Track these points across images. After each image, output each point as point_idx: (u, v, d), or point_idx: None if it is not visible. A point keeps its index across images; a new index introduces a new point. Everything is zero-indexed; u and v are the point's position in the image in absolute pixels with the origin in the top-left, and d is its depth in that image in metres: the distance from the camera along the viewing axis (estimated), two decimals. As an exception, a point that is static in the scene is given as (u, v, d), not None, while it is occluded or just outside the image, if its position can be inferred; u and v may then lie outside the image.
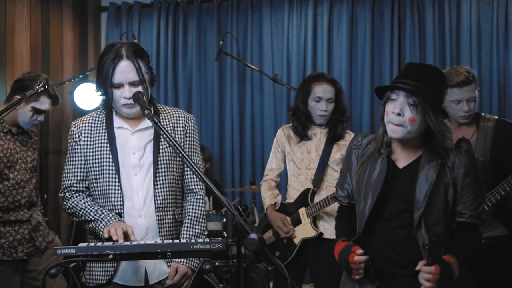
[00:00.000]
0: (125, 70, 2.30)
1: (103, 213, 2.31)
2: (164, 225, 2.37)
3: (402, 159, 2.23)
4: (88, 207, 2.34)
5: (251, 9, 5.30)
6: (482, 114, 3.21)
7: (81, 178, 2.41)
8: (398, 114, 2.10)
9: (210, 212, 4.32)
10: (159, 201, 2.36)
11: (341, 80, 4.99)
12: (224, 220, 4.44)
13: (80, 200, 2.37)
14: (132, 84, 2.31)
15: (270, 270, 1.81)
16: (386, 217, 2.19)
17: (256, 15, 5.29)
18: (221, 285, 4.05)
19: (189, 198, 2.48)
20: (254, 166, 5.25)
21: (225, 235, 4.33)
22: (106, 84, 2.31)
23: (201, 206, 2.47)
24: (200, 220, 2.44)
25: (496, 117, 3.17)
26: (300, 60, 5.14)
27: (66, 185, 2.42)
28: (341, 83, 4.97)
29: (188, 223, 2.42)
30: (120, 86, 2.31)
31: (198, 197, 2.48)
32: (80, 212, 2.35)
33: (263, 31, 5.25)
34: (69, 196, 2.40)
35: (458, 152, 2.17)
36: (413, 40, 4.98)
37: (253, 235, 1.76)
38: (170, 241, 2.08)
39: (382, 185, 2.16)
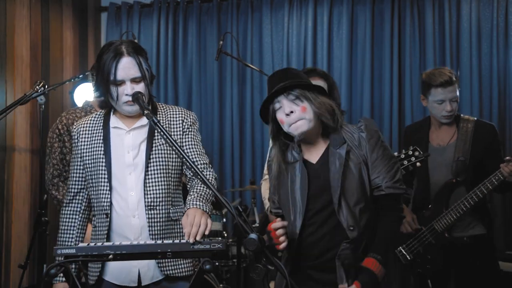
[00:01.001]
0: (127, 67, 2.29)
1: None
2: (155, 224, 2.33)
3: (314, 155, 2.29)
4: (66, 229, 2.42)
5: (251, 9, 5.30)
6: (462, 115, 3.29)
7: (80, 181, 2.43)
8: (291, 112, 2.20)
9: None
10: (149, 200, 2.33)
11: (341, 80, 5.00)
12: (224, 220, 4.43)
13: (69, 217, 2.44)
14: (134, 80, 2.31)
15: (271, 270, 1.81)
16: (315, 212, 2.23)
17: (256, 15, 5.29)
18: (221, 285, 4.05)
19: (195, 182, 2.39)
20: (254, 166, 5.26)
21: (225, 235, 4.32)
22: (107, 82, 2.30)
23: (208, 189, 2.34)
24: (209, 191, 2.32)
25: (476, 118, 3.26)
26: (300, 60, 5.14)
27: (67, 191, 2.47)
28: (341, 83, 5.01)
29: (197, 189, 2.33)
30: (121, 83, 2.30)
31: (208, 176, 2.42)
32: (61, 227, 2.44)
33: (263, 31, 5.25)
34: (65, 205, 2.45)
35: (359, 130, 2.25)
36: (413, 40, 4.98)
37: (253, 235, 1.76)
38: (170, 241, 2.07)
39: (307, 190, 2.22)
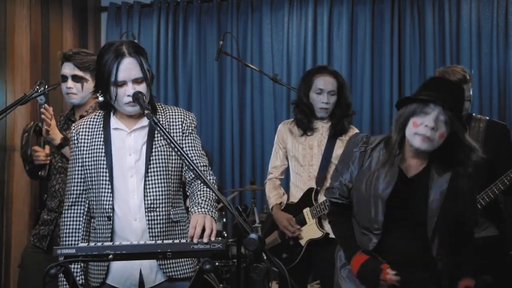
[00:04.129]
0: (128, 68, 2.28)
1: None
2: (155, 226, 2.32)
3: (412, 168, 2.24)
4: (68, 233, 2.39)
5: (251, 9, 5.30)
6: (473, 114, 3.22)
7: (80, 183, 2.40)
8: (432, 129, 2.12)
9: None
10: (149, 202, 2.32)
11: (341, 80, 5.00)
12: (224, 220, 4.43)
13: (72, 220, 2.40)
14: (135, 81, 2.30)
15: (273, 270, 1.81)
16: (396, 228, 2.20)
17: (256, 15, 5.29)
18: (221, 285, 4.04)
19: (198, 183, 2.37)
20: (254, 166, 5.25)
21: (225, 235, 4.32)
22: (107, 83, 2.29)
23: (210, 191, 2.32)
24: (212, 194, 2.30)
25: (487, 118, 3.19)
26: (300, 60, 5.14)
27: (67, 194, 2.43)
28: (341, 83, 5.01)
29: (201, 192, 2.31)
30: (123, 84, 2.30)
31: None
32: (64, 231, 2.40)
33: (263, 31, 5.25)
34: (67, 208, 2.41)
35: (469, 166, 2.20)
36: (413, 40, 4.98)
37: (253, 235, 1.76)
38: (170, 241, 2.07)
39: (390, 195, 2.17)
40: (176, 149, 2.08)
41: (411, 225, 2.20)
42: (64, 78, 3.08)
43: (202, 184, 2.34)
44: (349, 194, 2.34)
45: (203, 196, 2.28)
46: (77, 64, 3.05)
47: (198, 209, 2.19)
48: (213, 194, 2.27)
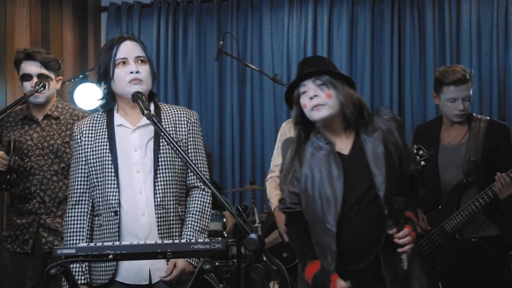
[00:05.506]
0: (130, 47, 2.34)
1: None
2: (164, 223, 2.34)
3: (344, 146, 2.29)
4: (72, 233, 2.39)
5: (251, 9, 5.30)
6: (474, 114, 3.22)
7: (84, 182, 2.41)
8: (315, 96, 2.20)
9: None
10: (159, 199, 2.33)
11: (341, 80, 5.01)
12: (224, 220, 4.43)
13: (77, 219, 2.40)
14: (138, 58, 2.33)
15: (273, 270, 1.81)
16: (351, 206, 2.21)
17: (256, 15, 5.29)
18: (221, 285, 4.05)
19: (194, 192, 2.45)
20: (254, 166, 5.25)
21: (225, 235, 4.32)
22: (109, 68, 2.30)
23: (207, 202, 2.44)
24: (205, 215, 2.42)
25: (488, 118, 3.19)
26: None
27: (70, 194, 2.44)
28: (341, 83, 5.01)
29: (192, 217, 2.39)
30: (125, 62, 2.30)
31: (204, 192, 2.44)
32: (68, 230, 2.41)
33: (263, 31, 5.25)
34: (71, 207, 2.42)
35: (387, 120, 2.34)
36: (413, 40, 4.98)
37: (253, 235, 1.76)
38: (170, 241, 2.07)
39: (343, 181, 2.20)
40: (176, 150, 2.08)
41: (363, 198, 2.21)
42: (28, 77, 3.05)
43: (198, 194, 2.43)
44: (299, 199, 2.34)
45: (196, 219, 2.39)
46: (43, 63, 3.04)
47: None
48: (207, 208, 2.40)
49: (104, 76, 2.36)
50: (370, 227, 2.20)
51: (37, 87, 3.06)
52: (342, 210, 2.20)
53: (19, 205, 3.10)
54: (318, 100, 2.20)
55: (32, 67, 3.05)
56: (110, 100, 2.42)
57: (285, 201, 2.39)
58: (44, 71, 3.04)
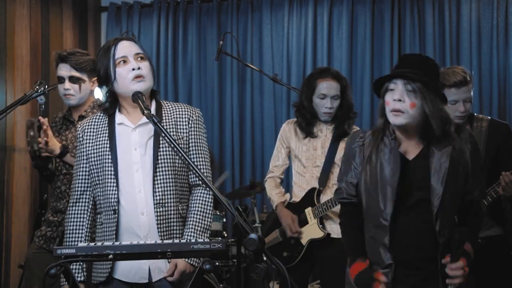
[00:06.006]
0: (127, 46, 2.34)
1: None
2: (164, 222, 2.34)
3: (410, 151, 2.27)
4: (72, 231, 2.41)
5: (251, 9, 5.30)
6: (475, 114, 3.22)
7: (85, 180, 2.42)
8: (399, 100, 2.15)
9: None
10: (158, 197, 2.33)
11: (341, 80, 5.01)
12: (224, 220, 4.44)
13: (77, 217, 2.42)
14: (137, 55, 2.33)
15: (274, 270, 1.80)
16: (404, 210, 2.22)
17: (256, 15, 5.29)
18: (221, 285, 4.05)
19: (196, 191, 2.44)
20: (254, 166, 5.25)
21: (225, 235, 4.32)
22: (109, 68, 2.31)
23: (209, 201, 2.42)
24: (206, 215, 2.40)
25: (489, 117, 3.18)
26: (300, 60, 5.14)
27: (71, 191, 2.46)
28: (341, 83, 5.01)
29: (193, 217, 2.38)
30: (125, 61, 2.31)
31: (206, 191, 2.43)
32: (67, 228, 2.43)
33: (263, 31, 5.26)
34: (71, 204, 2.44)
35: (463, 140, 2.24)
36: (413, 40, 4.99)
37: (253, 235, 1.76)
38: (170, 241, 2.07)
39: (398, 178, 2.19)
40: (176, 150, 2.08)
41: (417, 205, 2.21)
42: (61, 80, 3.07)
43: (199, 193, 2.42)
44: (356, 192, 2.35)
45: (197, 218, 2.38)
46: (73, 65, 3.04)
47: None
48: (208, 209, 2.40)
49: (105, 79, 2.35)
50: (420, 234, 2.21)
51: (36, 87, 3.06)
52: (396, 210, 2.20)
53: (53, 203, 3.13)
54: (401, 105, 2.15)
55: (64, 70, 3.05)
56: (113, 104, 2.42)
57: (342, 191, 2.39)
58: (75, 73, 3.04)
